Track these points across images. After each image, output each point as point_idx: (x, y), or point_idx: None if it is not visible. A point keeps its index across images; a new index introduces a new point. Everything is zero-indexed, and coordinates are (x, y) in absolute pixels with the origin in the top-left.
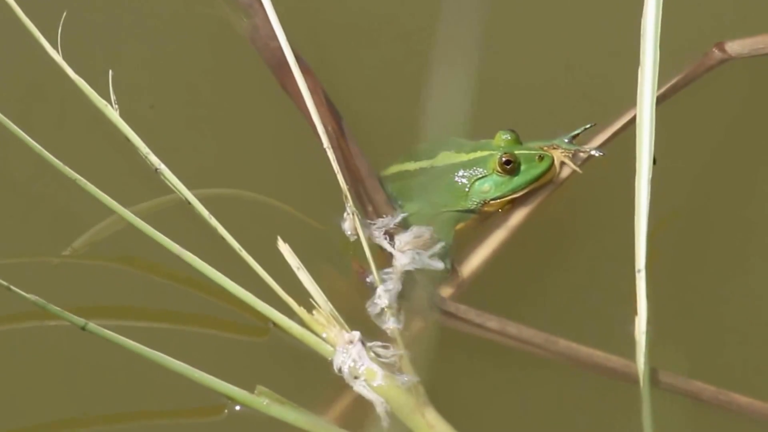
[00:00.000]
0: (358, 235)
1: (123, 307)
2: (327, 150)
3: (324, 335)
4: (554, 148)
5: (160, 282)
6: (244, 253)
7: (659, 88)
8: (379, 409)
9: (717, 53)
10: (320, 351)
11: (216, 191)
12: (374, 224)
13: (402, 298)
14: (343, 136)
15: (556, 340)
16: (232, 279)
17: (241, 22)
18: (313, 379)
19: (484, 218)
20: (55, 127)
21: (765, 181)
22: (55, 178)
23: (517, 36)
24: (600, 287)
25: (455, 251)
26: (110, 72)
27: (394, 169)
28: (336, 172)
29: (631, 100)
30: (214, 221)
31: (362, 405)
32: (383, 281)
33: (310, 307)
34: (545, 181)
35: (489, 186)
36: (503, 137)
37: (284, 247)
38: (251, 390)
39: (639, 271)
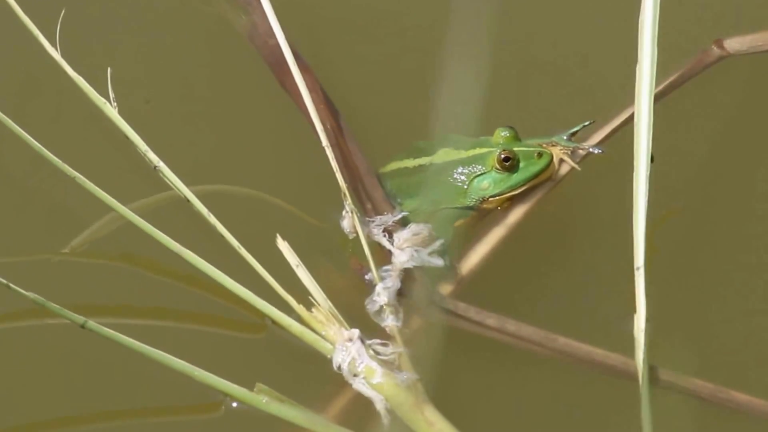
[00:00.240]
0: (357, 232)
1: (122, 305)
2: (326, 148)
3: (323, 333)
4: (553, 145)
5: (159, 279)
6: (243, 251)
7: (657, 85)
8: (379, 406)
9: (716, 50)
10: (319, 348)
11: (215, 188)
12: (373, 221)
13: (401, 295)
14: (341, 133)
15: (555, 338)
16: (231, 276)
17: (240, 20)
18: (312, 376)
19: (483, 215)
20: (52, 122)
21: (763, 178)
22: (54, 175)
23: (517, 35)
24: (599, 284)
25: (454, 248)
26: (109, 70)
27: (393, 166)
28: (335, 169)
29: (629, 98)
30: (212, 219)
31: (361, 402)
32: (382, 279)
33: (309, 304)
34: (544, 178)
35: (488, 183)
36: (502, 134)
37: (283, 245)
38: (250, 388)
39: (638, 268)
